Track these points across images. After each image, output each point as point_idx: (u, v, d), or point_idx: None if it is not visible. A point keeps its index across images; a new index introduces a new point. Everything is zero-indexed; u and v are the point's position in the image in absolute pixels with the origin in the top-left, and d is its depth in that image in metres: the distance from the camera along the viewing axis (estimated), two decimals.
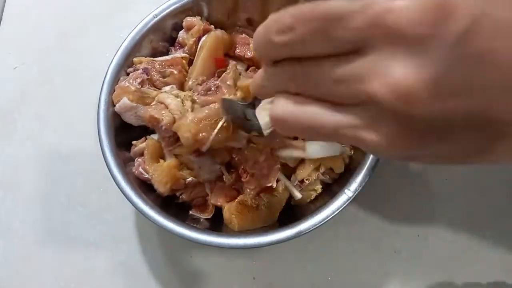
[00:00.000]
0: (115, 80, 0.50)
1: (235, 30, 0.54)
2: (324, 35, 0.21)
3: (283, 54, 0.24)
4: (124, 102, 0.47)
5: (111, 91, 0.49)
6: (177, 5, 0.52)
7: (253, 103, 0.41)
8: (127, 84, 0.48)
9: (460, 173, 0.53)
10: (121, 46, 0.51)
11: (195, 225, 0.45)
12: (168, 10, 0.52)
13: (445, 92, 0.19)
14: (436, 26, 0.18)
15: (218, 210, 0.48)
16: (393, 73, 0.19)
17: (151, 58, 0.51)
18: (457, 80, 0.19)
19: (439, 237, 0.51)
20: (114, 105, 0.48)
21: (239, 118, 0.41)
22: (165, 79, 0.50)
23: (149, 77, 0.49)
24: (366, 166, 0.44)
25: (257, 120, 0.40)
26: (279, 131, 0.26)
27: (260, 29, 0.24)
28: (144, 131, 0.50)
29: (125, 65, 0.51)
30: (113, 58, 0.50)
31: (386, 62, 0.19)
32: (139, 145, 0.49)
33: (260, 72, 0.27)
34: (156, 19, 0.52)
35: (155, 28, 0.52)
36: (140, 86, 0.48)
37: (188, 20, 0.52)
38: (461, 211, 0.52)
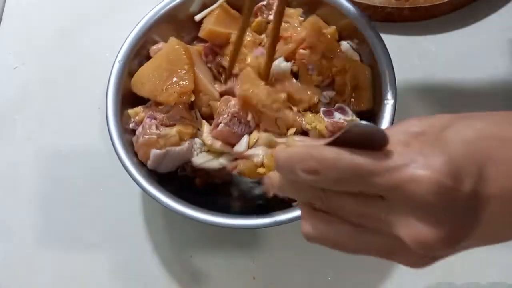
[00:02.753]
0: (131, 55, 0.51)
1: None
2: (348, 184, 0.24)
3: (306, 184, 0.26)
4: (154, 154, 0.46)
5: (126, 63, 0.50)
6: None
7: None
8: (147, 136, 0.47)
9: None
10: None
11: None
12: None
13: (458, 243, 0.24)
14: (450, 194, 0.23)
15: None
16: (416, 229, 0.23)
17: (144, 106, 0.50)
18: (468, 231, 0.24)
19: None
20: (145, 164, 0.48)
21: None
22: (169, 113, 0.49)
23: (157, 121, 0.48)
24: None
25: None
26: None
27: (284, 158, 0.26)
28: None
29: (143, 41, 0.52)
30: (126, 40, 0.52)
31: (409, 216, 0.23)
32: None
33: (279, 177, 0.29)
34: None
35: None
36: (158, 131, 0.47)
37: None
38: None
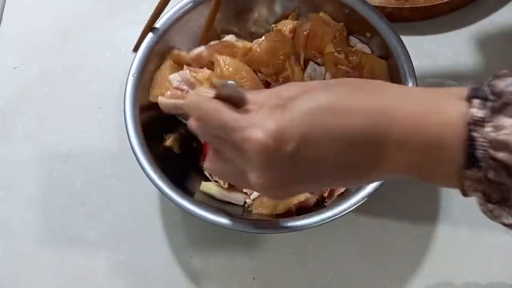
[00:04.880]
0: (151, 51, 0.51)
1: None
2: (221, 132, 0.32)
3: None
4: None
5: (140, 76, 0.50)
6: None
7: None
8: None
9: None
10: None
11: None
12: None
13: (284, 188, 0.32)
14: (272, 153, 0.29)
15: None
16: (253, 175, 0.31)
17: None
18: (291, 180, 0.31)
19: (439, 237, 0.51)
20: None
21: None
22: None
23: None
24: None
25: None
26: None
27: (186, 104, 0.35)
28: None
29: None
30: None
31: (248, 164, 0.31)
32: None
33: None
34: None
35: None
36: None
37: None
38: (461, 211, 0.52)
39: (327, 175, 0.31)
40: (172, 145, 0.52)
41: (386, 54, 0.51)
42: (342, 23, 0.53)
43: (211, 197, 0.50)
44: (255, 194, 0.49)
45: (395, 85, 0.32)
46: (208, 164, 0.37)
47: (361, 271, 0.51)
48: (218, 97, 0.32)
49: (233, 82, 0.31)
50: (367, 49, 0.53)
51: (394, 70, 0.49)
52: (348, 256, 0.51)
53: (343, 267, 0.51)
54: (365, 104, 0.29)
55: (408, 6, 0.59)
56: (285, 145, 0.29)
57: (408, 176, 0.30)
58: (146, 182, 0.46)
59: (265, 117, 0.30)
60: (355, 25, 0.53)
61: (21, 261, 0.54)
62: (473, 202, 0.52)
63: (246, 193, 0.50)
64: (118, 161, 0.56)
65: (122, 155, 0.56)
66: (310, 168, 0.30)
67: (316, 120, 0.29)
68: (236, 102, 0.31)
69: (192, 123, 0.35)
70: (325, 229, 0.51)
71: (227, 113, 0.31)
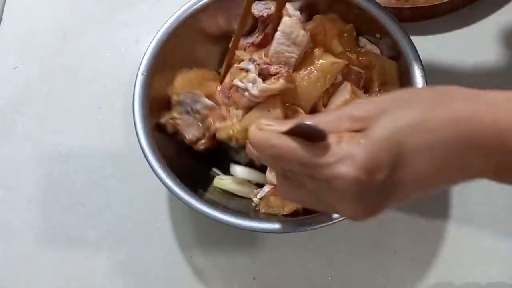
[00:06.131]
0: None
1: None
2: (300, 169, 0.31)
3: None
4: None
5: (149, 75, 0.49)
6: None
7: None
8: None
9: None
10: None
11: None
12: None
13: (375, 215, 0.32)
14: (364, 185, 0.29)
15: None
16: (344, 207, 0.31)
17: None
18: (382, 206, 0.32)
19: (439, 237, 0.51)
20: None
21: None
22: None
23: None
24: None
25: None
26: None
27: (254, 142, 0.32)
28: None
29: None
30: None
31: (337, 197, 0.30)
32: None
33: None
34: None
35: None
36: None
37: None
38: (461, 211, 0.52)
39: (416, 188, 0.30)
40: (166, 124, 0.51)
41: (396, 54, 0.50)
42: (350, 24, 0.53)
43: (222, 193, 0.50)
44: (261, 193, 0.49)
45: (472, 90, 0.32)
46: (281, 193, 0.37)
47: (361, 271, 0.51)
48: (290, 132, 0.30)
49: (311, 123, 0.29)
50: (376, 50, 0.52)
51: (404, 71, 0.49)
52: (348, 256, 0.51)
53: (343, 267, 0.51)
54: (451, 115, 0.29)
55: (408, 6, 0.59)
56: (377, 174, 0.28)
57: (494, 178, 0.31)
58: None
59: (350, 148, 0.28)
60: (364, 25, 0.53)
61: (21, 261, 0.54)
62: (472, 202, 0.52)
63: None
64: (118, 161, 0.56)
65: (122, 155, 0.56)
66: (402, 187, 0.30)
67: (404, 142, 0.28)
68: (309, 136, 0.29)
69: (260, 158, 0.34)
70: (325, 229, 0.51)
71: (305, 152, 0.29)
